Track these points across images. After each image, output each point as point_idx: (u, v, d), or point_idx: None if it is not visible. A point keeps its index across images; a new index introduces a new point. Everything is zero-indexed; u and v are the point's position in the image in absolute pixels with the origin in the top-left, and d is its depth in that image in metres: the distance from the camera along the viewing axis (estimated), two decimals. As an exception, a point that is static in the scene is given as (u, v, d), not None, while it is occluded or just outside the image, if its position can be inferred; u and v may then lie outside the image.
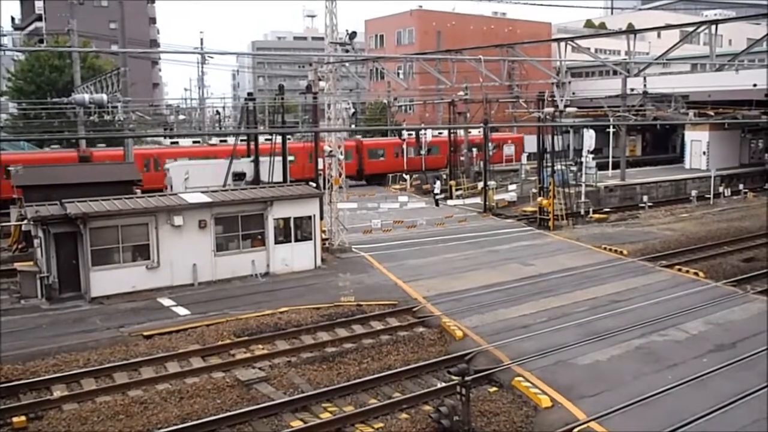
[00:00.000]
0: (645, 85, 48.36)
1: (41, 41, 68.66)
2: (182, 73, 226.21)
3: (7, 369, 16.52)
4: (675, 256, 28.41)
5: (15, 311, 21.27)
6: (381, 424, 14.19)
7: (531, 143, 49.25)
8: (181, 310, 21.25)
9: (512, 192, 43.44)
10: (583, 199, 38.62)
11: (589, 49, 30.96)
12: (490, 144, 45.46)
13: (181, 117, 72.75)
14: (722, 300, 21.94)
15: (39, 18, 78.31)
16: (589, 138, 40.33)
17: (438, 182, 43.10)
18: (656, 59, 35.05)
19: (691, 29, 24.64)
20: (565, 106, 38.65)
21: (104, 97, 33.12)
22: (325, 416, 14.54)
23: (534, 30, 77.88)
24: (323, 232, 28.98)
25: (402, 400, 15.21)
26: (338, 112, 30.30)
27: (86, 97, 33.53)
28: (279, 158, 33.21)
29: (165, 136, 51.35)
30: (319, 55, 37.58)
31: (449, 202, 42.80)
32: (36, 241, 23.19)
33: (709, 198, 43.96)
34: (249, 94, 41.28)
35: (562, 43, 29.27)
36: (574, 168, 42.82)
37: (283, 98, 36.25)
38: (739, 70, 40.79)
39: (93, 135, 38.38)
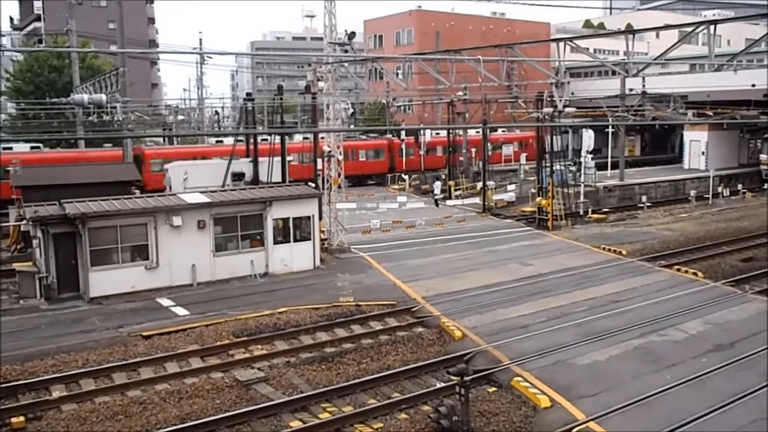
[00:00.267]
0: (644, 86, 48.44)
1: (40, 41, 68.61)
2: (181, 74, 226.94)
3: (5, 369, 16.50)
4: (674, 256, 28.43)
5: (14, 311, 21.26)
6: (380, 425, 14.19)
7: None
8: (180, 311, 21.24)
9: (511, 192, 43.44)
10: (582, 199, 38.63)
11: (587, 49, 30.98)
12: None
13: (180, 117, 72.72)
14: (721, 300, 21.95)
15: (38, 18, 78.22)
16: (588, 138, 40.36)
17: (438, 183, 43.06)
18: (655, 59, 35.07)
19: (689, 29, 24.66)
20: (564, 107, 38.66)
21: (103, 97, 33.14)
22: (324, 416, 14.54)
23: (533, 30, 77.90)
24: (322, 232, 28.98)
25: (401, 401, 15.20)
26: (337, 113, 30.30)
27: (85, 97, 33.54)
28: (280, 158, 33.22)
29: (164, 137, 51.35)
30: (318, 56, 37.60)
31: (448, 202, 42.80)
32: (35, 242, 23.21)
33: (708, 198, 43.98)
34: (248, 94, 41.31)
35: (561, 43, 29.29)
36: (573, 168, 42.84)
37: (281, 98, 36.27)
38: (737, 71, 40.86)
39: (92, 135, 38.37)
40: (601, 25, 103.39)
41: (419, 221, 35.73)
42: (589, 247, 30.36)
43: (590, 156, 42.12)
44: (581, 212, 37.80)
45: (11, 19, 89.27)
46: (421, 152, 53.40)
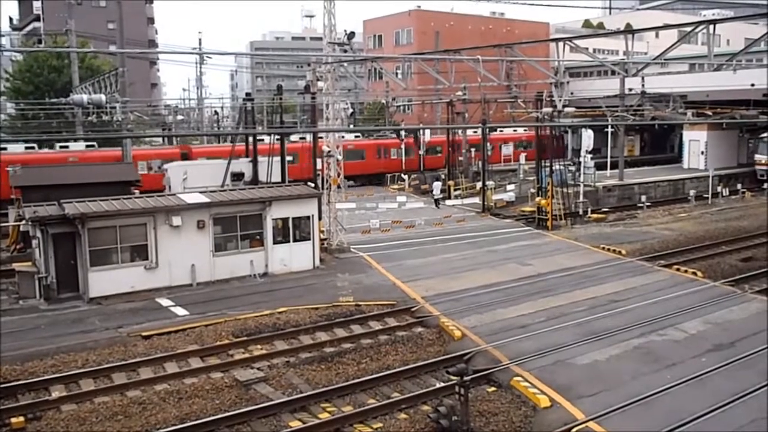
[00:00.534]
0: (643, 85, 48.47)
1: (39, 41, 68.58)
2: (181, 74, 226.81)
3: (5, 369, 16.50)
4: (673, 256, 28.43)
5: (13, 312, 21.25)
6: (380, 424, 14.19)
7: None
8: (180, 311, 21.23)
9: (510, 192, 43.43)
10: (581, 199, 38.63)
11: (587, 49, 31.01)
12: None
13: (180, 117, 72.71)
14: (720, 299, 21.95)
15: (37, 18, 78.17)
16: (588, 138, 40.36)
17: (437, 183, 43.02)
18: (654, 59, 35.08)
19: (689, 29, 24.65)
20: (564, 106, 38.67)
21: (102, 97, 33.14)
22: (324, 416, 14.54)
23: (532, 30, 77.88)
24: (322, 232, 28.98)
25: (401, 400, 15.20)
26: (336, 112, 30.30)
27: (84, 97, 33.54)
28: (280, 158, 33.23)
29: (163, 137, 51.38)
30: (318, 56, 37.57)
31: (447, 202, 42.79)
32: (34, 242, 23.20)
33: (707, 198, 43.98)
34: (247, 94, 41.31)
35: (561, 43, 29.28)
36: (572, 168, 42.85)
37: (281, 98, 36.26)
38: (737, 70, 40.86)
39: (91, 135, 38.37)
40: (601, 25, 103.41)
41: (419, 221, 35.73)
42: (589, 246, 30.37)
43: (589, 156, 42.13)
44: (581, 212, 37.80)
45: (10, 19, 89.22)
46: (421, 152, 53.40)
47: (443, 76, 31.42)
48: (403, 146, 53.50)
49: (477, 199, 41.34)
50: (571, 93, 54.45)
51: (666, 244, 30.57)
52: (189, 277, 23.86)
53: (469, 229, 34.80)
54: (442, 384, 15.95)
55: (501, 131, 58.79)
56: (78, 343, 18.29)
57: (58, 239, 22.43)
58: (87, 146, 41.62)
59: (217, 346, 18.38)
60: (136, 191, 28.35)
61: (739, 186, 47.29)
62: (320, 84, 31.09)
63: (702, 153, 52.70)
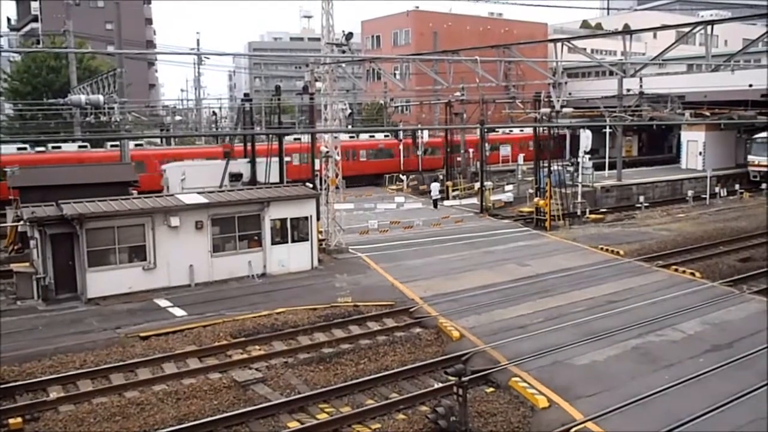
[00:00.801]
0: (641, 86, 48.47)
1: (37, 42, 68.52)
2: (179, 74, 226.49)
3: (3, 370, 16.49)
4: (671, 257, 28.44)
5: (11, 312, 21.23)
6: (378, 425, 14.19)
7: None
8: (178, 311, 21.22)
9: (509, 192, 43.45)
10: (579, 199, 38.65)
11: (585, 49, 30.90)
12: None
13: (178, 118, 72.65)
14: (719, 300, 21.96)
15: (35, 19, 78.03)
16: (586, 138, 40.38)
17: (435, 184, 43.00)
18: (652, 60, 35.05)
19: (687, 30, 24.62)
20: (562, 107, 38.67)
21: (101, 98, 33.16)
22: (322, 417, 14.54)
23: (530, 31, 77.92)
24: (320, 232, 28.97)
25: (399, 401, 15.20)
26: (335, 113, 30.29)
27: (83, 98, 33.55)
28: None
29: (161, 137, 51.32)
30: (316, 56, 37.56)
31: (446, 202, 42.78)
32: (32, 242, 23.17)
33: (706, 198, 44.00)
34: (245, 94, 41.27)
35: (559, 44, 29.22)
36: (570, 168, 42.88)
37: (279, 99, 36.24)
38: (734, 71, 40.80)
39: (89, 136, 38.34)
40: (599, 26, 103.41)
41: (417, 222, 35.72)
42: (587, 247, 30.38)
43: (588, 156, 42.15)
44: (579, 212, 37.82)
45: (8, 19, 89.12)
46: (419, 153, 53.39)
47: (441, 77, 31.38)
48: (401, 147, 53.53)
49: (475, 200, 41.34)
50: (569, 93, 54.45)
51: (664, 244, 30.59)
52: (187, 277, 23.84)
53: (468, 229, 34.80)
54: (441, 384, 15.96)
55: (509, 132, 58.80)
56: (76, 344, 18.28)
57: (56, 240, 22.41)
58: (79, 147, 41.60)
59: (215, 346, 18.37)
60: (134, 192, 28.36)
61: (737, 186, 47.34)
62: (318, 85, 31.08)
63: (700, 153, 52.72)
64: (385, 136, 52.68)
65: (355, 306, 21.74)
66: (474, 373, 15.95)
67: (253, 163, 34.60)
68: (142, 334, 19.03)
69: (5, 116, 52.47)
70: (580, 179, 40.64)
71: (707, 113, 50.29)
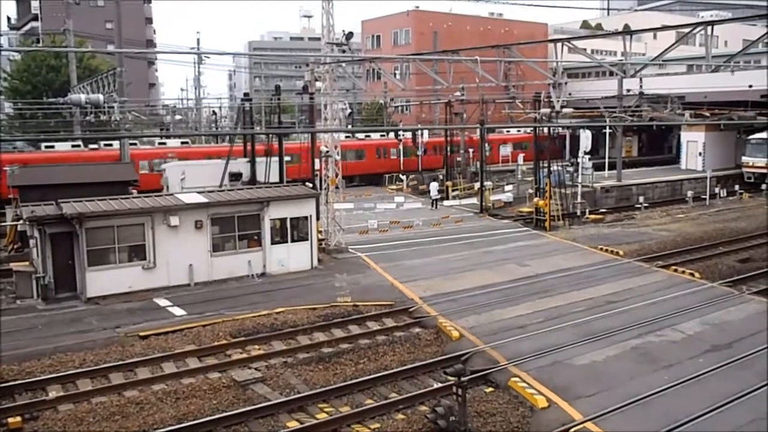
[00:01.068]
0: (641, 86, 48.46)
1: (37, 41, 68.50)
2: (179, 74, 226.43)
3: (2, 369, 16.49)
4: (671, 257, 28.45)
5: (11, 311, 21.21)
6: (377, 425, 14.19)
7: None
8: (178, 311, 21.22)
9: (509, 192, 43.45)
10: (579, 199, 38.66)
11: (585, 49, 30.90)
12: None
13: (178, 117, 72.70)
14: (718, 300, 21.97)
15: (35, 18, 77.98)
16: (586, 139, 40.39)
17: (434, 184, 42.97)
18: (652, 60, 35.03)
19: (687, 30, 24.61)
20: (562, 107, 38.67)
21: (101, 97, 33.14)
22: (322, 417, 14.54)
23: (530, 31, 77.96)
24: (320, 232, 28.96)
25: (398, 401, 15.20)
26: (335, 113, 30.28)
27: (82, 97, 33.52)
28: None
29: (161, 137, 51.33)
30: (316, 56, 37.57)
31: (446, 202, 42.78)
32: (32, 242, 23.17)
33: (705, 198, 44.01)
34: (245, 94, 41.26)
35: (559, 44, 29.21)
36: (570, 169, 42.88)
37: (279, 99, 36.22)
38: (734, 72, 40.83)
39: (89, 135, 38.33)
40: (599, 26, 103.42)
41: (417, 221, 35.72)
42: (587, 247, 30.38)
43: (587, 156, 42.16)
44: (578, 213, 37.83)
45: (8, 18, 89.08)
46: (419, 152, 53.39)
47: (441, 77, 31.37)
48: (401, 146, 53.53)
49: (475, 200, 41.35)
50: (569, 94, 54.51)
51: (664, 244, 30.59)
52: (187, 277, 23.83)
53: (467, 229, 34.81)
54: (440, 384, 15.96)
55: (508, 131, 58.81)
56: (75, 343, 18.27)
57: (55, 239, 22.40)
58: (72, 146, 41.60)
59: (214, 346, 18.36)
60: (134, 191, 28.35)
61: (736, 187, 47.33)
62: (318, 84, 31.07)
63: (700, 154, 52.74)
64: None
65: (355, 306, 21.74)
66: (473, 373, 15.95)
67: (252, 162, 34.59)
68: (141, 334, 19.03)
69: (5, 115, 52.45)
70: (579, 179, 40.66)
71: (707, 114, 50.28)
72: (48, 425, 14.14)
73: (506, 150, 58.24)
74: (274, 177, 33.49)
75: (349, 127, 54.00)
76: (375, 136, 53.60)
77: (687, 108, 50.28)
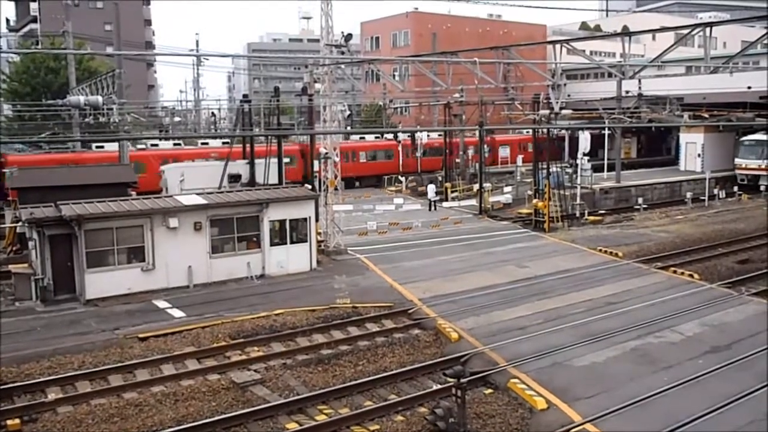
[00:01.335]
0: (640, 88, 48.53)
1: (36, 43, 68.52)
2: (178, 75, 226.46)
3: (1, 371, 16.46)
4: (670, 258, 28.45)
5: (9, 313, 21.19)
6: (377, 426, 14.18)
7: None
8: (177, 312, 21.20)
9: (508, 194, 43.46)
10: (578, 201, 38.68)
11: (584, 51, 30.96)
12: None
13: (177, 119, 72.70)
14: (717, 302, 21.96)
15: (34, 20, 78.02)
16: (585, 140, 40.40)
17: (431, 185, 42.92)
18: (651, 61, 35.14)
19: (685, 32, 24.64)
20: (561, 108, 38.70)
21: (99, 99, 33.15)
22: (321, 418, 14.52)
23: (529, 32, 77.99)
24: (319, 234, 28.95)
25: (397, 402, 15.19)
26: (334, 114, 30.28)
27: (81, 99, 33.54)
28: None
29: (160, 138, 51.34)
30: (315, 57, 37.62)
31: (445, 204, 42.80)
32: (31, 243, 23.15)
33: (704, 200, 44.02)
34: (244, 96, 41.26)
35: (558, 45, 29.25)
36: (569, 170, 42.88)
37: (278, 100, 36.23)
38: (733, 73, 40.90)
39: (88, 137, 38.33)
40: (598, 27, 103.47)
41: (416, 223, 35.71)
42: (586, 248, 30.39)
43: (586, 158, 42.17)
44: (577, 214, 37.84)
45: (7, 20, 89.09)
46: (418, 154, 53.41)
47: (440, 78, 31.38)
48: (400, 148, 53.54)
49: (474, 201, 41.36)
50: (568, 95, 54.55)
51: (663, 246, 30.59)
52: (186, 278, 23.82)
53: (466, 231, 34.80)
54: (439, 386, 15.95)
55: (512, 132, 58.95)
56: (74, 345, 18.25)
57: (54, 241, 22.38)
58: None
59: (213, 348, 18.35)
60: (133, 193, 28.34)
61: (735, 188, 47.34)
62: (317, 86, 31.08)
63: (699, 155, 52.74)
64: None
65: (354, 307, 21.73)
66: (473, 374, 15.95)
67: (252, 164, 34.59)
68: (140, 335, 19.01)
69: (4, 117, 52.43)
70: (578, 181, 40.67)
71: (706, 115, 50.32)
72: (47, 427, 14.12)
73: (506, 151, 58.29)
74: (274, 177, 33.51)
75: (348, 128, 53.98)
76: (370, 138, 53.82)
77: (686, 109, 50.36)
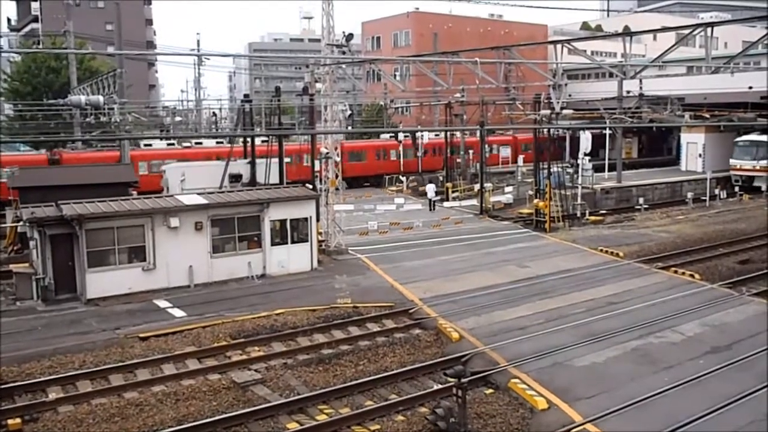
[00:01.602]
0: (641, 88, 48.48)
1: (37, 42, 68.53)
2: (179, 75, 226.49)
3: (2, 371, 16.47)
4: (671, 258, 28.44)
5: (10, 313, 21.21)
6: (377, 426, 14.18)
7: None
8: (177, 312, 21.21)
9: (508, 194, 43.44)
10: (579, 201, 38.66)
11: (585, 51, 30.95)
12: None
13: (178, 119, 72.69)
14: (718, 302, 21.96)
15: (35, 19, 78.07)
16: (586, 140, 40.38)
17: (431, 185, 42.89)
18: (652, 61, 35.11)
19: (686, 32, 24.64)
20: (562, 108, 38.68)
21: (101, 98, 33.15)
22: (322, 418, 14.52)
23: (530, 32, 77.98)
24: (320, 234, 28.96)
25: (398, 402, 15.19)
26: (335, 114, 30.28)
27: (82, 98, 33.55)
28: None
29: (161, 138, 51.34)
30: (316, 57, 37.61)
31: (446, 204, 42.78)
32: (32, 243, 23.18)
33: (705, 200, 44.00)
34: (245, 95, 41.26)
35: (559, 45, 29.24)
36: (570, 170, 42.86)
37: (279, 100, 36.23)
38: (734, 73, 40.89)
39: (89, 137, 38.34)
40: (599, 27, 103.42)
41: (417, 223, 35.71)
42: (587, 248, 30.38)
43: (587, 158, 42.14)
44: (578, 214, 37.82)
45: (9, 20, 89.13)
46: (419, 154, 53.40)
47: (441, 78, 31.38)
48: (401, 148, 53.55)
49: (475, 201, 41.34)
50: (569, 95, 54.48)
51: (664, 246, 30.58)
52: (186, 278, 23.83)
53: (467, 230, 34.80)
54: (440, 386, 15.95)
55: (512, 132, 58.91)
56: (75, 345, 18.27)
57: (55, 240, 22.40)
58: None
59: (214, 347, 18.36)
60: (134, 192, 28.36)
61: (736, 188, 47.30)
62: (318, 86, 31.08)
63: (700, 155, 52.72)
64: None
65: (355, 307, 21.73)
66: (473, 374, 15.96)
67: (252, 164, 34.58)
68: (141, 335, 19.02)
69: (5, 116, 52.43)
70: (579, 181, 40.64)
71: (707, 115, 50.27)
72: (48, 427, 14.13)
73: (506, 151, 58.26)
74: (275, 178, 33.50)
75: (349, 128, 53.98)
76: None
77: (687, 109, 50.30)
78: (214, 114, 66.67)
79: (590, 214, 38.58)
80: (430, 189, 42.21)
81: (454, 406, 13.43)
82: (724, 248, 30.50)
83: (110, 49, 53.88)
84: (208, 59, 74.97)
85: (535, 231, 34.59)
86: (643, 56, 73.99)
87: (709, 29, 23.14)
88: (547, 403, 14.70)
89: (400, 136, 52.90)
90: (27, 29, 79.94)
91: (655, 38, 75.81)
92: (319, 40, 32.12)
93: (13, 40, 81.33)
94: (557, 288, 23.79)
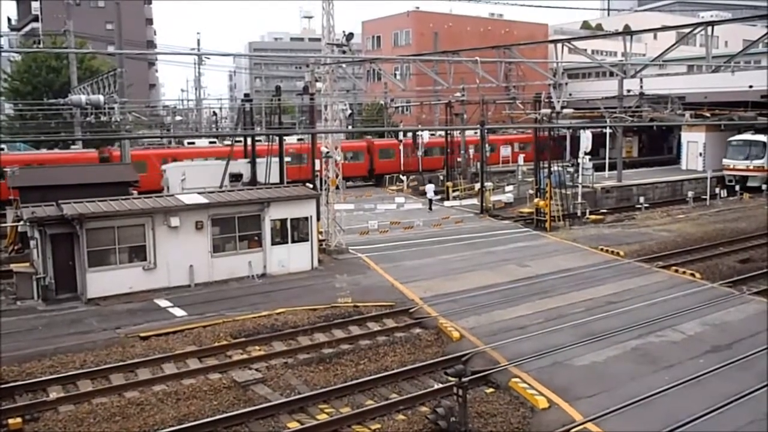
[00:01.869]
0: (641, 87, 48.48)
1: (38, 42, 68.52)
2: (179, 74, 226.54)
3: (3, 370, 16.48)
4: (671, 257, 28.43)
5: (11, 312, 21.22)
6: (378, 425, 14.19)
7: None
8: (178, 312, 21.22)
9: (509, 193, 43.44)
10: (579, 200, 38.65)
11: (585, 50, 30.92)
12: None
13: (178, 118, 72.69)
14: (719, 301, 21.96)
15: (35, 19, 78.09)
16: (586, 139, 40.37)
17: (430, 185, 42.86)
18: (653, 60, 35.09)
19: (687, 31, 24.62)
20: (562, 108, 38.67)
21: (101, 98, 33.15)
22: (322, 417, 14.53)
23: (531, 31, 77.99)
24: (320, 233, 28.96)
25: (399, 402, 15.20)
26: (335, 113, 30.28)
27: (83, 98, 33.55)
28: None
29: (161, 138, 51.37)
30: (316, 56, 37.59)
31: (446, 203, 42.76)
32: (32, 242, 23.18)
33: (706, 199, 43.99)
34: (246, 95, 41.27)
35: (559, 45, 29.23)
36: (570, 169, 42.85)
37: (279, 99, 36.24)
38: (735, 72, 40.88)
39: (89, 137, 38.35)
40: (599, 27, 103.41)
41: (417, 222, 35.70)
42: (587, 248, 30.37)
43: (588, 157, 42.14)
44: (579, 213, 37.82)
45: (9, 19, 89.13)
46: (419, 153, 53.40)
47: (442, 77, 31.38)
48: (401, 147, 53.53)
49: (475, 201, 41.32)
50: (570, 94, 54.51)
51: (664, 245, 30.57)
52: (187, 277, 23.84)
53: (468, 230, 34.79)
54: (441, 385, 15.96)
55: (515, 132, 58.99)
56: (76, 344, 18.28)
57: (56, 240, 22.40)
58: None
59: (215, 347, 18.36)
60: (135, 192, 28.36)
61: (736, 187, 47.28)
62: (319, 85, 31.08)
63: (700, 154, 52.71)
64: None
65: (355, 306, 21.74)
66: (474, 373, 15.96)
67: (253, 163, 34.60)
68: (142, 335, 19.03)
69: (5, 116, 52.40)
70: (580, 180, 40.63)
71: (707, 114, 50.28)
72: (48, 426, 14.14)
73: (507, 150, 58.25)
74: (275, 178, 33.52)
75: (350, 127, 53.99)
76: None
77: (687, 108, 50.29)
78: (215, 113, 66.72)
79: (591, 213, 38.57)
80: (429, 189, 42.21)
81: (455, 406, 13.44)
82: (724, 247, 30.49)
83: (110, 49, 53.89)
84: (209, 59, 75.11)
85: (535, 230, 34.58)
86: (644, 55, 73.91)
87: (709, 28, 23.14)
88: (547, 402, 14.71)
89: (400, 135, 52.91)
90: (27, 29, 79.95)
91: (655, 37, 75.76)
92: (319, 40, 32.12)
93: (14, 40, 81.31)
94: (557, 287, 23.79)
